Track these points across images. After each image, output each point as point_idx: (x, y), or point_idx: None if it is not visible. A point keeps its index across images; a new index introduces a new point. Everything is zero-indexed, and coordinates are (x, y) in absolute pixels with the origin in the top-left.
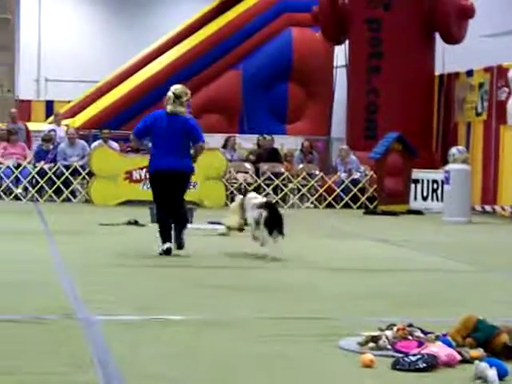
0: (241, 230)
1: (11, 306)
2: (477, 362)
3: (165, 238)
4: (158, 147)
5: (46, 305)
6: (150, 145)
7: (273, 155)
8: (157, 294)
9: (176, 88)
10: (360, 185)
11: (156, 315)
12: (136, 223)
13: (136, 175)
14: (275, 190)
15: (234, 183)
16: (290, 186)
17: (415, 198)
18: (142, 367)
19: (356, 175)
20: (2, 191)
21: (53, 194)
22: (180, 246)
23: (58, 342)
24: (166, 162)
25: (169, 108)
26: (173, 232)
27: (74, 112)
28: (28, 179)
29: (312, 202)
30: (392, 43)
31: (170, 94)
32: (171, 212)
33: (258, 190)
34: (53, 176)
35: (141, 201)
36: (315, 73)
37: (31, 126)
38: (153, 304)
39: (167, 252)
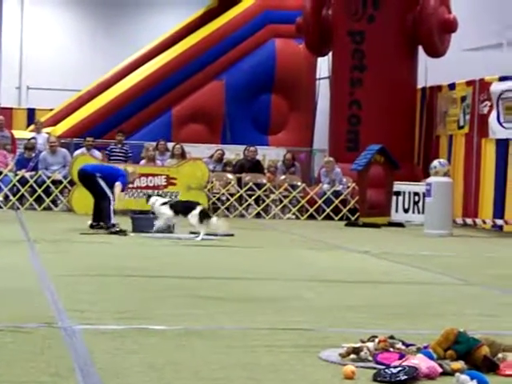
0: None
1: None
2: (457, 374)
3: (93, 217)
4: None
5: (26, 313)
6: None
7: (255, 166)
8: (139, 303)
9: None
10: (342, 196)
11: (138, 325)
12: (118, 232)
13: None
14: (257, 201)
15: (216, 193)
16: (272, 196)
17: (396, 211)
18: (124, 377)
19: (338, 187)
20: None
21: (34, 203)
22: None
23: (38, 351)
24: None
25: None
26: None
27: (55, 120)
28: (9, 187)
29: (293, 213)
30: (375, 56)
31: None
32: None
33: (240, 200)
34: (34, 184)
35: (122, 210)
36: (298, 84)
37: (16, 133)
38: (135, 313)
39: (90, 226)
